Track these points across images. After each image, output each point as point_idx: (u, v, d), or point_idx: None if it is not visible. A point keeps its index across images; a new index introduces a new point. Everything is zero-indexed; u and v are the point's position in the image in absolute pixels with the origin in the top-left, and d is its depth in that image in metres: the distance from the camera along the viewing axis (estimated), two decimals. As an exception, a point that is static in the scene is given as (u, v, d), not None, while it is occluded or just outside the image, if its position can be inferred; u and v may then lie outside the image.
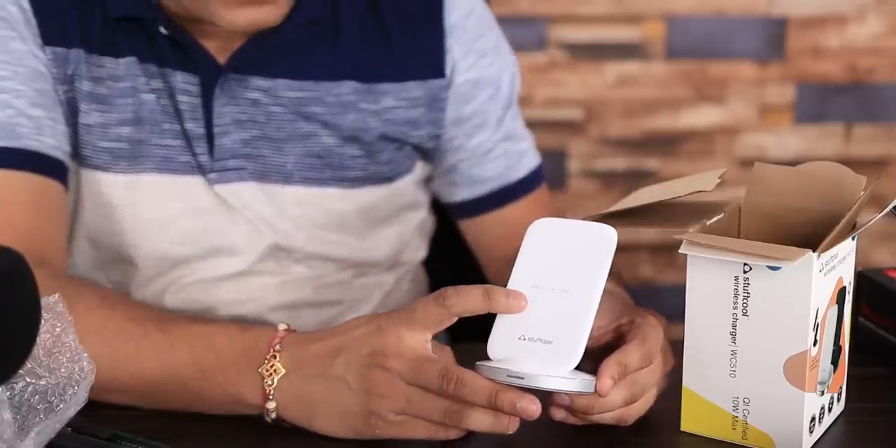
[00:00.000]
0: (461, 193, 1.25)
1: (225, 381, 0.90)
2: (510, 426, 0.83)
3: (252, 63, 1.12)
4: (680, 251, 0.86)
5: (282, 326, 0.91)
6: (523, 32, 2.03)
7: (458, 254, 1.35)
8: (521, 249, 0.86)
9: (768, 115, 2.13)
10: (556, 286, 0.83)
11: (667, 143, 2.12)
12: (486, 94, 1.21)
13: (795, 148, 2.13)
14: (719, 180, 0.91)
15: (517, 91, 1.26)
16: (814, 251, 0.83)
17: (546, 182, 1.29)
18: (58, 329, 0.77)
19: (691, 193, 0.90)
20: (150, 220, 1.14)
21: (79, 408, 0.77)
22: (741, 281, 0.86)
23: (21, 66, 1.08)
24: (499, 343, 0.83)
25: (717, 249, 0.85)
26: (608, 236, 0.84)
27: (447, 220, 1.32)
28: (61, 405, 0.76)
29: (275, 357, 0.89)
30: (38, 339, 0.76)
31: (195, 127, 1.12)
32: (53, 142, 1.08)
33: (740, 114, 2.12)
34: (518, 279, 0.85)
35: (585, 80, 2.10)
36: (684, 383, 0.90)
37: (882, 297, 1.06)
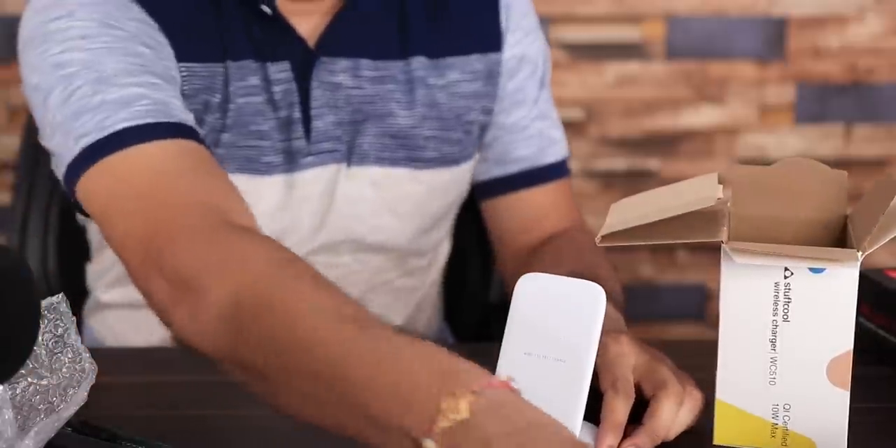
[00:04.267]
0: (492, 171, 1.27)
1: (394, 395, 0.73)
2: None
3: (338, 44, 1.16)
4: (723, 260, 0.85)
5: (503, 377, 0.74)
6: (523, 32, 2.03)
7: (467, 255, 1.35)
8: (511, 311, 0.86)
9: (768, 115, 2.13)
10: (548, 354, 0.83)
11: (667, 144, 2.12)
12: (527, 71, 1.26)
13: (795, 148, 2.13)
14: (720, 197, 0.88)
15: (549, 75, 1.30)
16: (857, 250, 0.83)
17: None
18: (60, 329, 0.77)
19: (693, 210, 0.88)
20: None
21: (78, 407, 0.77)
22: (781, 287, 0.85)
23: (155, 66, 1.06)
24: None
25: (762, 255, 0.83)
26: (596, 296, 0.84)
27: (459, 222, 1.33)
28: (62, 405, 0.76)
29: (465, 397, 0.71)
30: (40, 339, 0.76)
31: (292, 112, 1.14)
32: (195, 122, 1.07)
33: (740, 114, 2.12)
34: (510, 346, 0.85)
35: (585, 80, 2.09)
36: (718, 396, 0.88)
37: (882, 298, 1.06)
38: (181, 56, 1.10)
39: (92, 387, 0.80)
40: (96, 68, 1.03)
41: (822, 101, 2.13)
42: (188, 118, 1.05)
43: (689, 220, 0.87)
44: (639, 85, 2.10)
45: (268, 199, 1.15)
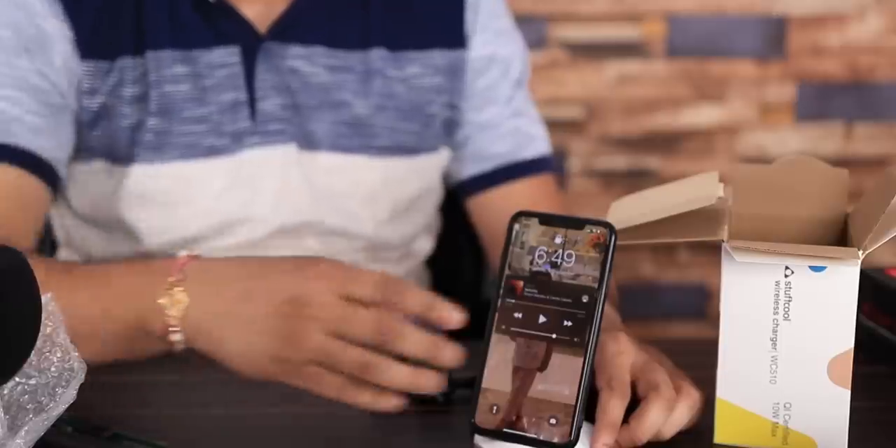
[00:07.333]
0: (469, 169, 1.28)
1: (126, 314, 0.88)
2: (426, 384, 0.82)
3: (291, 31, 1.17)
4: (724, 259, 0.84)
5: (182, 253, 0.90)
6: (523, 31, 2.01)
7: (460, 254, 1.35)
8: None
9: (769, 114, 2.13)
10: None
11: (667, 142, 2.12)
12: (498, 71, 1.27)
13: (796, 146, 2.13)
14: (721, 196, 0.88)
15: (527, 76, 1.30)
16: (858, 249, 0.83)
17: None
18: (48, 328, 0.76)
19: (694, 209, 0.88)
20: (174, 205, 1.17)
21: (67, 406, 0.77)
22: (782, 285, 0.85)
23: (24, 81, 1.10)
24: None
25: (763, 254, 0.83)
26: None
27: (452, 221, 1.32)
28: (51, 404, 0.76)
29: (176, 285, 0.87)
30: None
31: (237, 95, 1.16)
32: (51, 144, 1.11)
33: (741, 112, 2.12)
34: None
35: (586, 78, 2.09)
36: (718, 395, 0.88)
37: (883, 296, 1.06)
38: (88, 53, 1.13)
39: (92, 386, 0.80)
40: None
41: (823, 100, 2.13)
42: (32, 139, 1.09)
43: (690, 219, 0.87)
44: (639, 84, 2.10)
45: (215, 181, 1.17)
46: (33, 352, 0.75)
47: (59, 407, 0.76)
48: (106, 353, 0.91)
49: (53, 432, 0.77)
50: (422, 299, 0.83)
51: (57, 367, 0.77)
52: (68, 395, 0.76)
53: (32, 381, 0.76)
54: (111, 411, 0.92)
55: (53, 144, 1.12)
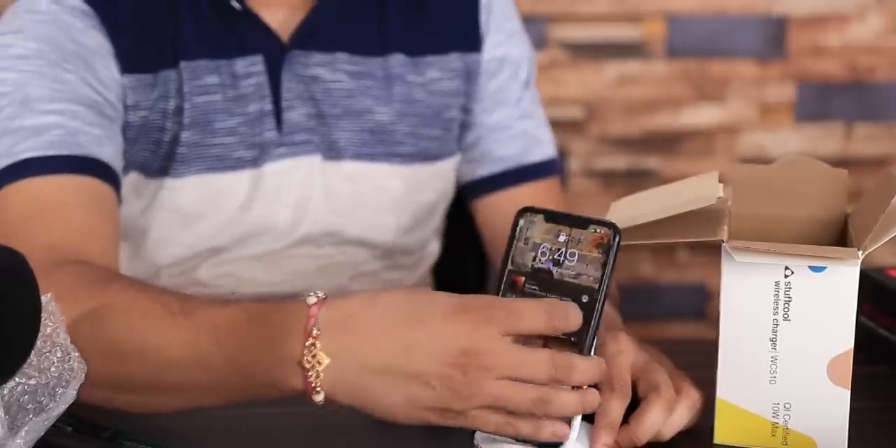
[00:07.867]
0: (477, 171, 1.28)
1: (254, 367, 0.81)
2: (594, 402, 0.80)
3: (313, 38, 1.17)
4: (723, 259, 0.84)
5: (311, 300, 0.80)
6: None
7: (462, 257, 1.35)
8: None
9: (769, 114, 2.13)
10: None
11: (667, 143, 2.12)
12: (509, 72, 1.26)
13: (796, 147, 2.13)
14: (721, 196, 0.88)
15: (534, 78, 1.30)
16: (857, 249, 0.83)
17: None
18: (49, 328, 0.77)
19: (694, 209, 0.88)
20: (199, 217, 1.16)
21: (67, 406, 0.77)
22: (782, 285, 0.85)
23: (74, 93, 1.08)
24: None
25: (763, 254, 0.83)
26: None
27: (454, 223, 1.32)
28: (51, 404, 0.76)
29: (314, 345, 0.78)
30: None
31: (263, 105, 1.16)
32: (112, 153, 1.09)
33: (741, 113, 2.12)
34: None
35: (586, 79, 2.09)
36: (719, 395, 0.88)
37: (883, 296, 1.06)
38: (129, 67, 1.11)
39: (92, 386, 0.80)
40: (24, 90, 1.06)
41: (823, 100, 2.13)
42: (98, 149, 1.07)
43: (690, 219, 0.86)
44: (639, 84, 2.10)
45: (240, 192, 1.16)
46: (33, 352, 0.75)
47: (59, 407, 0.76)
48: (230, 400, 0.85)
49: (53, 432, 0.78)
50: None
51: (57, 367, 0.77)
52: (68, 395, 0.76)
53: (32, 381, 0.76)
54: (111, 411, 0.92)
55: (112, 154, 1.10)
